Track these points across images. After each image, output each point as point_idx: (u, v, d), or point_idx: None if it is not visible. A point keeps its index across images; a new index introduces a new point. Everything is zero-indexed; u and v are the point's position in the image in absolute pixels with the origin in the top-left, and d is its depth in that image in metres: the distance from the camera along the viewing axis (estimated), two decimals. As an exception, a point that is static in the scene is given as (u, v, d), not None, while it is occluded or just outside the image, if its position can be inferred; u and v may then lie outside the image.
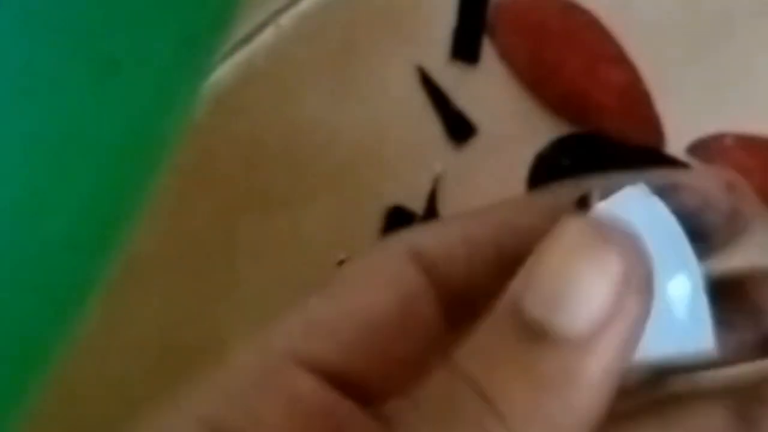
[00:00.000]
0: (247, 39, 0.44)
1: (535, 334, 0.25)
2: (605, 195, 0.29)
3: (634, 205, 0.28)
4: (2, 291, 0.23)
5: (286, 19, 0.44)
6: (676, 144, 0.43)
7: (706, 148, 0.43)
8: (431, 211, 0.43)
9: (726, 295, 0.29)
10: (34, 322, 0.24)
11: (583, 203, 0.29)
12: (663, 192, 0.29)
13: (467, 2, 0.44)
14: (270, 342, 0.28)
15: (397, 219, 0.43)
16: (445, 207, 0.43)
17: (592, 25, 0.43)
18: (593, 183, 0.29)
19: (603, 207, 0.28)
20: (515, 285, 0.25)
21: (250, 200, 0.43)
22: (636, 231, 0.26)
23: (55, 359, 0.25)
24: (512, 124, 0.44)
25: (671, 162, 0.43)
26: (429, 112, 0.44)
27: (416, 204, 0.43)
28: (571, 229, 0.25)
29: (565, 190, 0.30)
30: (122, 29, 0.23)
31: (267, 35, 0.44)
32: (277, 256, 0.43)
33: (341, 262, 0.43)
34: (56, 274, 0.24)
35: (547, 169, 0.43)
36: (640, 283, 0.25)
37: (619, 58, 0.43)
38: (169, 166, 0.26)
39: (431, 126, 0.44)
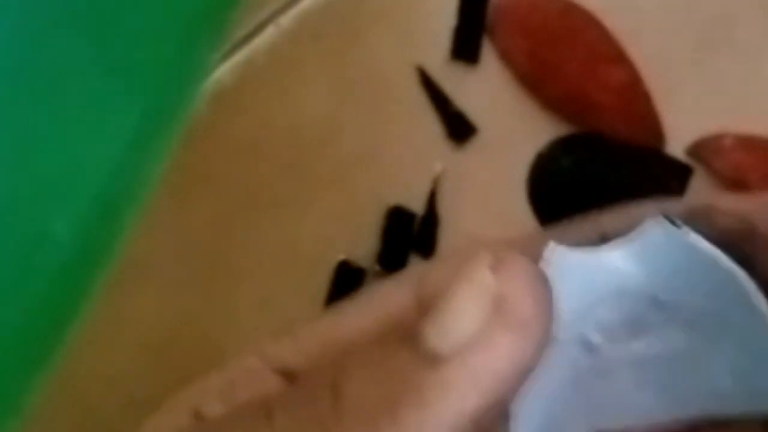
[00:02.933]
0: (247, 39, 0.44)
1: (414, 352, 0.25)
2: (624, 231, 0.28)
3: (651, 241, 0.28)
4: (1, 291, 0.23)
5: (286, 19, 0.44)
6: (675, 144, 0.43)
7: (705, 148, 0.42)
8: (431, 212, 0.43)
9: None
10: (34, 322, 0.24)
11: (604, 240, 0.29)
12: (696, 218, 0.29)
13: (467, 2, 0.44)
14: (265, 350, 0.30)
15: (397, 219, 0.43)
16: (444, 207, 0.43)
17: (592, 25, 0.43)
18: (607, 219, 0.29)
19: (558, 248, 0.28)
20: None
21: (250, 200, 0.43)
22: (542, 272, 0.25)
23: (55, 359, 0.24)
24: (512, 124, 0.44)
25: (671, 162, 0.43)
26: (429, 112, 0.44)
27: (416, 204, 0.43)
28: (475, 258, 0.26)
29: (588, 222, 0.30)
30: (121, 28, 0.23)
31: (267, 35, 0.44)
32: (276, 255, 0.43)
33: (341, 263, 0.43)
34: (56, 273, 0.24)
35: (547, 169, 0.43)
36: (518, 322, 0.25)
37: (619, 58, 0.43)
38: (169, 165, 0.26)
39: (431, 126, 0.44)
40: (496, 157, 0.43)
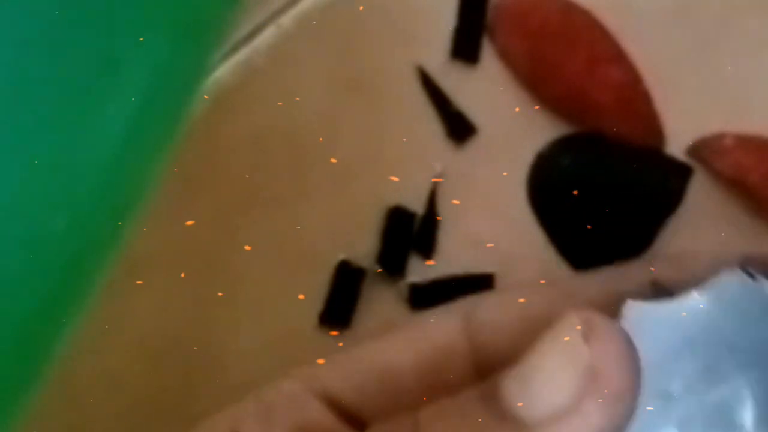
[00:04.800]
0: (247, 39, 0.44)
1: (499, 414, 0.25)
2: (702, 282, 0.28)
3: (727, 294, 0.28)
4: (2, 291, 0.23)
5: (286, 19, 0.44)
6: (676, 143, 0.43)
7: (706, 148, 0.42)
8: (431, 212, 0.43)
9: None
10: (33, 322, 0.24)
11: (656, 286, 0.29)
12: (752, 264, 0.29)
13: (467, 2, 0.44)
14: (307, 375, 0.30)
15: (397, 219, 0.43)
16: (444, 207, 0.43)
17: (592, 25, 0.43)
18: (659, 265, 0.29)
19: (636, 304, 0.28)
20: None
21: (249, 200, 0.43)
22: (631, 340, 0.25)
23: (55, 359, 0.25)
24: (512, 123, 0.43)
25: (671, 162, 0.42)
26: (429, 112, 0.44)
27: (416, 204, 0.43)
28: (564, 320, 0.25)
29: (638, 267, 0.30)
30: (121, 28, 0.23)
31: (267, 35, 0.44)
32: (276, 255, 0.43)
33: (341, 263, 0.43)
34: (55, 273, 0.24)
35: (547, 169, 0.43)
36: (610, 393, 0.25)
37: (619, 58, 0.43)
38: (169, 165, 0.26)
39: (431, 126, 0.44)
40: (496, 156, 0.43)
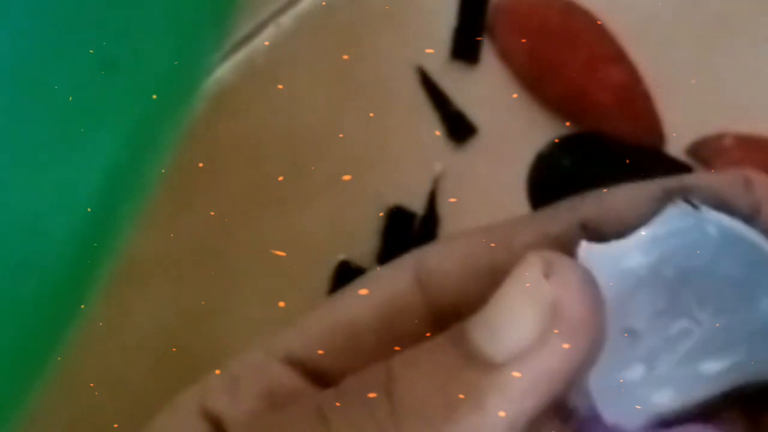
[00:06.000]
0: (247, 39, 0.44)
1: (468, 356, 0.26)
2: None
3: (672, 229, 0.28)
4: (2, 291, 0.23)
5: (286, 19, 0.44)
6: (676, 144, 0.43)
7: (706, 148, 0.42)
8: (431, 211, 0.43)
9: None
10: (33, 322, 0.24)
11: (584, 228, 0.29)
12: (672, 196, 0.29)
13: (467, 2, 0.44)
14: (268, 343, 0.31)
15: (397, 219, 0.43)
16: (444, 207, 0.43)
17: (592, 25, 0.43)
18: (585, 207, 0.30)
19: (589, 246, 0.28)
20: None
21: (249, 200, 0.43)
22: (591, 274, 0.26)
23: (55, 359, 0.25)
24: (512, 123, 0.44)
25: (671, 162, 0.43)
26: (429, 111, 0.44)
27: (416, 204, 0.43)
28: (525, 262, 0.26)
29: (567, 209, 0.30)
30: (120, 28, 0.23)
31: (267, 35, 0.44)
32: (276, 256, 0.43)
33: (341, 263, 0.43)
34: (56, 273, 0.24)
35: (547, 169, 0.43)
36: (574, 326, 0.25)
37: (619, 58, 0.43)
38: (169, 165, 0.26)
39: (431, 126, 0.44)
40: (496, 156, 0.43)
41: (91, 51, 0.23)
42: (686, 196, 0.29)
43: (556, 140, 0.43)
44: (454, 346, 0.26)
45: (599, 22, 0.43)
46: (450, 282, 0.30)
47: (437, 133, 0.44)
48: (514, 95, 0.44)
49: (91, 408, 0.42)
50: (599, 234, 0.29)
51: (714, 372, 0.30)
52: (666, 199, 0.29)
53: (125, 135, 0.24)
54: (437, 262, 0.30)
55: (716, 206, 0.29)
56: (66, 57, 0.23)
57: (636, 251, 0.29)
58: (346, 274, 0.42)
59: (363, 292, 0.31)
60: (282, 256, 0.43)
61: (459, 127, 0.44)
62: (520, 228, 0.30)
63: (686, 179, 0.30)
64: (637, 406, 0.29)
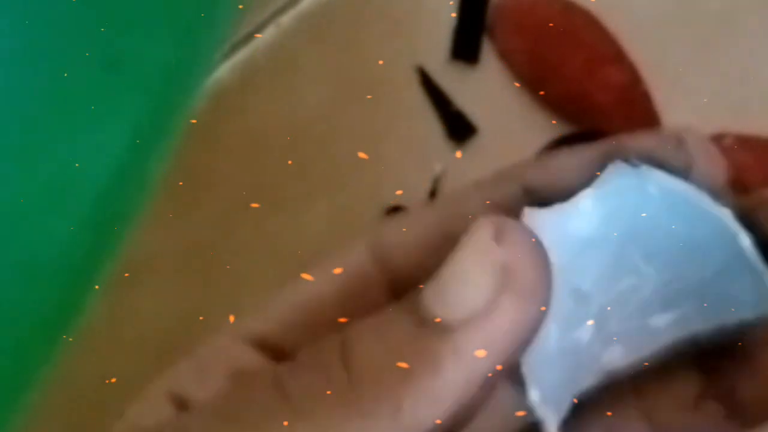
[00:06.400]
0: (248, 38, 0.44)
1: (421, 322, 0.26)
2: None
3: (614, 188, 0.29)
4: (3, 292, 0.23)
5: (286, 19, 0.44)
6: (676, 144, 0.43)
7: (705, 148, 0.42)
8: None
9: None
10: (34, 321, 0.24)
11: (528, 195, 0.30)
12: (610, 157, 0.30)
13: (467, 2, 0.44)
14: (233, 326, 0.31)
15: (397, 219, 0.43)
16: (445, 207, 0.43)
17: (592, 25, 0.43)
18: (529, 173, 0.31)
19: (532, 211, 0.29)
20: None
21: (249, 200, 0.43)
22: (538, 238, 0.26)
23: (55, 359, 0.25)
24: (512, 123, 0.44)
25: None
26: (429, 112, 0.44)
27: (416, 204, 0.43)
28: (477, 228, 0.26)
29: (511, 175, 0.31)
30: (121, 27, 0.23)
31: (267, 35, 0.44)
32: (276, 256, 0.43)
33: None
34: (56, 273, 0.24)
35: (547, 169, 0.43)
36: (524, 288, 0.26)
37: (619, 58, 0.43)
38: (169, 165, 0.26)
39: (431, 126, 0.44)
40: (496, 156, 0.43)
41: (91, 50, 0.23)
42: (624, 156, 0.29)
43: (556, 140, 0.43)
44: (408, 313, 0.26)
45: (599, 22, 0.43)
46: (406, 254, 0.31)
47: (437, 133, 0.44)
48: (514, 95, 0.44)
49: (90, 408, 0.41)
50: (543, 199, 0.30)
51: (662, 325, 0.30)
52: (603, 161, 0.30)
53: (125, 135, 0.24)
54: (393, 235, 0.31)
55: (652, 165, 0.29)
56: (65, 56, 0.23)
57: (579, 213, 0.29)
58: (346, 275, 0.42)
59: (322, 269, 0.31)
60: (281, 256, 0.43)
61: (459, 127, 0.44)
62: (468, 196, 0.31)
63: (622, 141, 0.30)
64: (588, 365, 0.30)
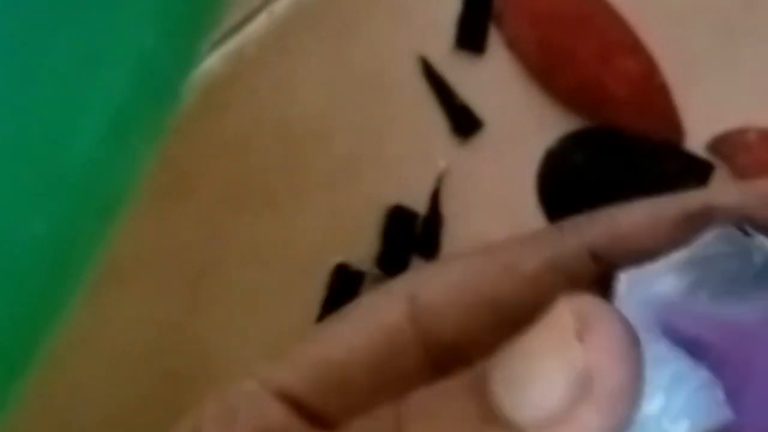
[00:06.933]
0: (238, 27, 0.44)
1: (486, 412, 0.25)
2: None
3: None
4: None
5: (279, 6, 0.44)
6: (695, 139, 0.42)
7: (727, 144, 0.42)
8: (434, 211, 0.43)
9: None
10: (11, 327, 0.23)
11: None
12: (693, 220, 0.28)
13: (473, -12, 0.44)
14: (259, 374, 0.30)
15: (399, 219, 0.43)
16: (449, 207, 0.43)
17: (605, 12, 0.43)
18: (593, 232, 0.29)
19: (628, 278, 0.27)
20: (495, 356, 0.25)
21: (241, 199, 0.43)
22: (633, 331, 0.24)
23: (33, 366, 0.24)
24: (521, 117, 0.43)
25: (690, 158, 0.42)
26: (432, 105, 0.43)
27: (419, 203, 0.43)
28: (556, 314, 0.24)
29: (574, 232, 0.30)
30: (104, 16, 0.23)
31: (259, 23, 0.44)
32: (269, 257, 0.43)
33: (339, 266, 0.42)
34: (34, 276, 0.23)
35: (558, 166, 0.43)
36: (610, 397, 0.24)
37: (635, 47, 0.43)
38: (155, 162, 0.25)
39: (435, 120, 0.43)
40: (504, 152, 0.43)
41: (73, 41, 0.22)
42: (736, 222, 0.28)
43: (568, 135, 0.43)
44: (472, 398, 0.25)
45: (614, 10, 0.43)
46: (447, 317, 0.30)
47: (441, 127, 0.43)
48: (523, 87, 0.43)
49: (74, 414, 0.41)
50: (610, 260, 0.29)
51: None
52: (686, 224, 0.28)
53: (107, 129, 0.23)
54: (433, 294, 0.30)
55: (741, 224, 0.28)
56: (45, 46, 0.22)
57: (670, 274, 0.28)
58: (343, 279, 0.42)
59: (356, 323, 0.30)
60: (274, 259, 0.42)
61: (464, 122, 0.43)
62: (523, 251, 0.30)
63: (708, 197, 0.29)
64: None
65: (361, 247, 0.42)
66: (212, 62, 0.43)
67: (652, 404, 0.28)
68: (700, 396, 0.29)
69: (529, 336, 0.25)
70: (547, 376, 0.24)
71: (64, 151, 0.22)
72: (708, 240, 0.28)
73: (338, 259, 0.42)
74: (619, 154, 0.42)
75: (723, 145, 0.42)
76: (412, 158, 0.43)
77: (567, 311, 0.24)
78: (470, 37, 0.43)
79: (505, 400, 0.24)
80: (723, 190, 0.29)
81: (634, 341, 0.24)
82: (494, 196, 0.43)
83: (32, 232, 0.22)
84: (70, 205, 0.23)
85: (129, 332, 0.42)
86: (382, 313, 0.30)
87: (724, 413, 0.29)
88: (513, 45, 0.43)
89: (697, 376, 0.29)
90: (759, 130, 0.42)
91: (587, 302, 0.24)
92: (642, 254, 0.28)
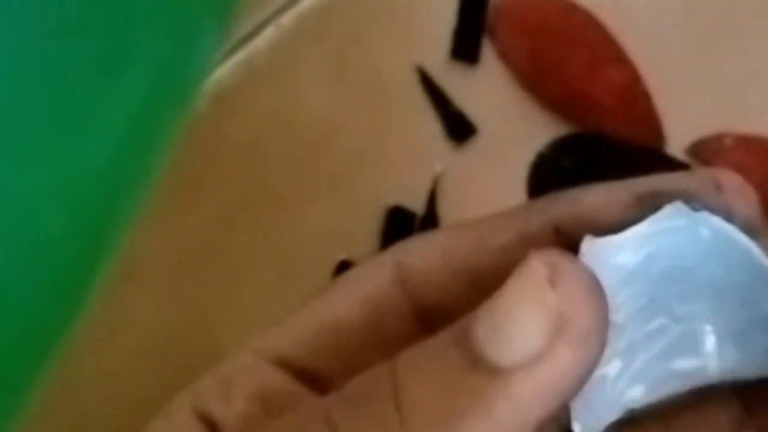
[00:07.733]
0: (247, 38, 0.44)
1: (473, 360, 0.26)
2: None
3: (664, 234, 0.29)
4: (1, 292, 0.23)
5: (286, 19, 0.44)
6: (676, 144, 0.43)
7: (706, 148, 0.43)
8: (431, 212, 0.43)
9: None
10: (31, 323, 0.23)
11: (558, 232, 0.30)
12: (643, 202, 0.29)
13: (467, 2, 0.44)
14: (256, 343, 0.31)
15: (397, 219, 0.43)
16: (445, 207, 0.43)
17: (592, 25, 0.43)
18: (559, 209, 0.30)
19: (593, 240, 0.28)
20: (476, 311, 0.26)
21: (249, 200, 0.43)
22: (596, 280, 0.26)
23: (53, 361, 0.24)
24: (512, 123, 0.44)
25: (671, 162, 0.42)
26: (429, 111, 0.44)
27: (416, 204, 0.43)
28: (529, 266, 0.26)
29: (541, 209, 0.31)
30: (119, 26, 0.23)
31: (267, 35, 0.44)
32: (276, 256, 0.43)
33: (341, 263, 0.42)
34: (55, 274, 0.23)
35: (547, 169, 0.43)
36: (581, 334, 0.25)
37: (619, 58, 0.43)
38: (168, 166, 0.25)
39: (431, 126, 0.44)
40: (496, 156, 0.43)
41: (91, 51, 0.22)
42: (682, 198, 0.29)
43: (557, 140, 0.43)
44: (458, 348, 0.26)
45: (599, 22, 0.43)
46: (432, 281, 0.31)
47: (437, 133, 0.44)
48: (515, 95, 0.44)
49: (91, 408, 0.42)
50: (572, 235, 0.30)
51: (684, 370, 0.30)
52: (637, 205, 0.29)
53: (124, 134, 0.24)
54: (418, 260, 0.31)
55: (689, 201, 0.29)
56: (64, 57, 0.22)
57: (628, 247, 0.29)
58: (346, 275, 0.42)
59: (347, 290, 0.31)
60: (281, 257, 0.43)
61: (459, 127, 0.44)
62: (495, 226, 0.31)
63: (657, 183, 0.30)
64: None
65: (362, 245, 0.42)
66: (223, 72, 0.43)
67: (610, 367, 0.29)
68: (655, 365, 0.30)
69: (506, 287, 0.26)
70: (524, 320, 0.25)
71: (85, 153, 0.23)
72: (660, 216, 0.29)
73: (341, 256, 0.42)
74: (605, 157, 0.43)
75: (701, 149, 0.42)
76: (410, 162, 0.43)
77: (538, 262, 0.26)
78: (464, 48, 0.44)
79: (487, 346, 0.25)
80: (669, 176, 0.30)
81: (599, 288, 0.26)
82: (487, 197, 0.43)
83: (53, 232, 0.22)
84: (89, 206, 0.23)
85: (146, 327, 0.42)
86: (371, 279, 0.31)
87: (680, 381, 0.30)
88: (505, 56, 0.44)
89: (652, 345, 0.30)
90: (735, 136, 0.42)
91: (555, 254, 0.26)
92: (599, 230, 0.29)
